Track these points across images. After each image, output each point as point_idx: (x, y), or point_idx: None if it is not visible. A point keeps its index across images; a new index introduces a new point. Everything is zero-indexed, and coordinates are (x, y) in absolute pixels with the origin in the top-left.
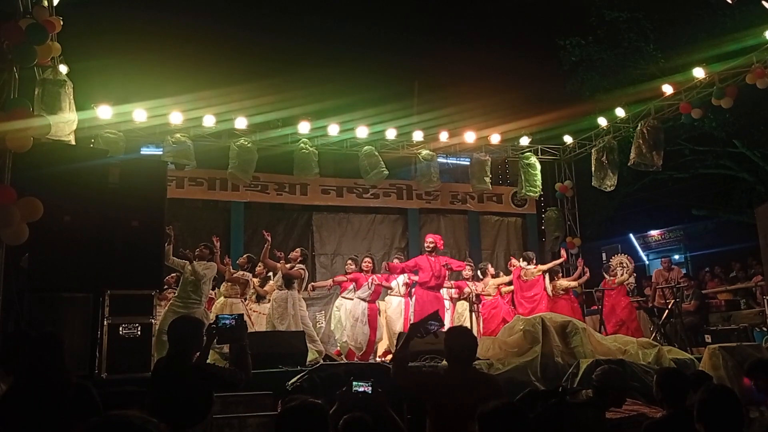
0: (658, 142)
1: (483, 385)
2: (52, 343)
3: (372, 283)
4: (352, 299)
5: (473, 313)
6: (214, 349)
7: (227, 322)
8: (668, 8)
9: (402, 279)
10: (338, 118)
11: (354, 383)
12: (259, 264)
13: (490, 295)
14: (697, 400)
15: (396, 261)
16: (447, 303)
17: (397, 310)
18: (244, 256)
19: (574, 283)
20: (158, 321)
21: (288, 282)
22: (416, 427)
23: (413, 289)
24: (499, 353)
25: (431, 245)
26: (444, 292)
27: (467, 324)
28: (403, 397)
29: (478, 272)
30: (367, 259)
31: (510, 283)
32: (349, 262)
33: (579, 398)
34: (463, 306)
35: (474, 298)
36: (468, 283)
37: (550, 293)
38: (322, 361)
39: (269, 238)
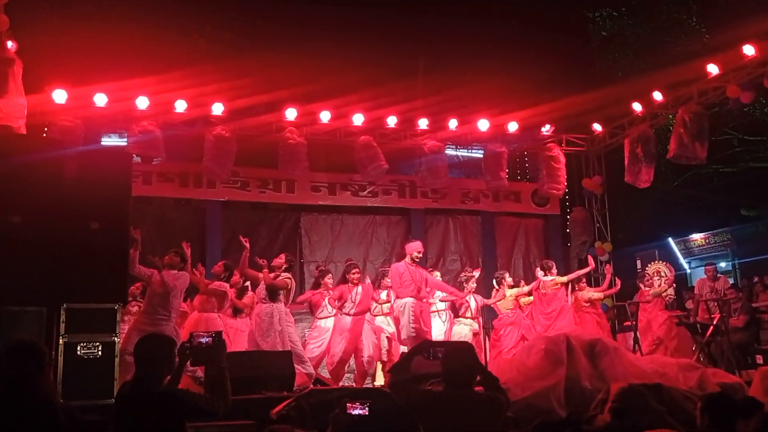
0: (701, 131)
1: (483, 409)
2: (34, 354)
3: (356, 296)
4: (329, 318)
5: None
6: (187, 373)
7: (203, 340)
8: None
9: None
10: (330, 102)
11: (348, 404)
12: (236, 273)
13: (507, 308)
14: (750, 431)
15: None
16: (443, 317)
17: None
18: (220, 263)
19: (599, 295)
20: (122, 339)
21: (272, 294)
22: None
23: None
24: (517, 377)
25: (419, 256)
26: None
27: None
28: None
29: (494, 282)
30: (355, 269)
31: (530, 294)
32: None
33: (595, 425)
34: (465, 325)
35: (475, 312)
36: (476, 297)
37: (571, 304)
38: (312, 386)
39: (247, 245)
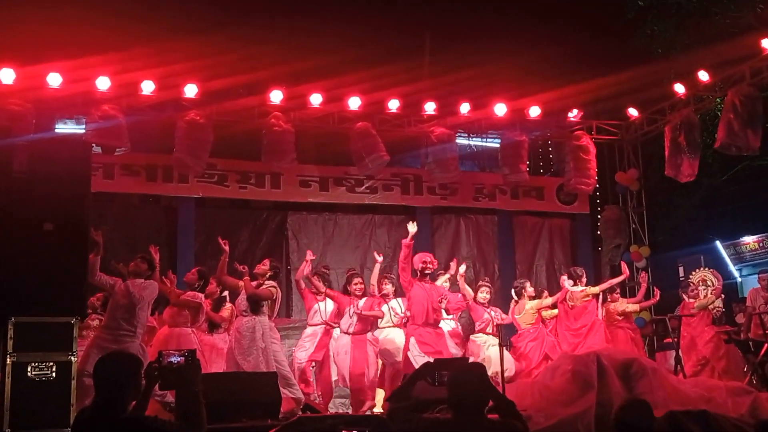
0: (754, 117)
1: None
2: None
3: (352, 311)
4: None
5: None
6: (156, 397)
7: (174, 360)
8: None
9: (395, 304)
10: (322, 83)
11: None
12: (212, 282)
13: (528, 323)
14: None
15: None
16: (450, 342)
17: (395, 345)
18: (194, 270)
19: (635, 307)
20: (80, 358)
21: (254, 305)
22: None
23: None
24: (540, 402)
25: (430, 266)
26: (448, 325)
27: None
28: None
29: (513, 292)
30: (357, 279)
31: (555, 306)
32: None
33: None
34: (480, 343)
35: (495, 329)
36: (487, 309)
37: (602, 318)
38: (300, 413)
39: (227, 249)
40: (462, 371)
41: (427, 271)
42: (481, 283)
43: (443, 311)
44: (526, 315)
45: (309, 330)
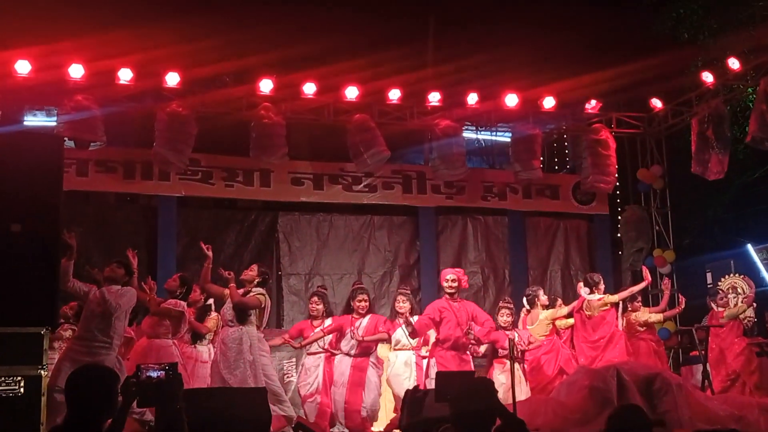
0: None
1: None
2: None
3: (359, 330)
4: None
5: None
6: (133, 415)
7: (153, 374)
8: None
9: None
10: (316, 71)
11: None
12: (196, 289)
13: (542, 334)
14: None
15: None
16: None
17: (403, 369)
18: (176, 276)
19: (659, 317)
20: (50, 372)
21: (241, 315)
22: None
23: (430, 349)
24: (554, 420)
25: (454, 285)
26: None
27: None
28: None
29: (524, 301)
30: (361, 295)
31: (570, 315)
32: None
33: None
34: (503, 370)
35: (519, 354)
36: (506, 333)
37: (622, 329)
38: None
39: (210, 254)
40: (467, 386)
41: (450, 291)
42: (501, 304)
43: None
44: (539, 326)
45: (309, 360)
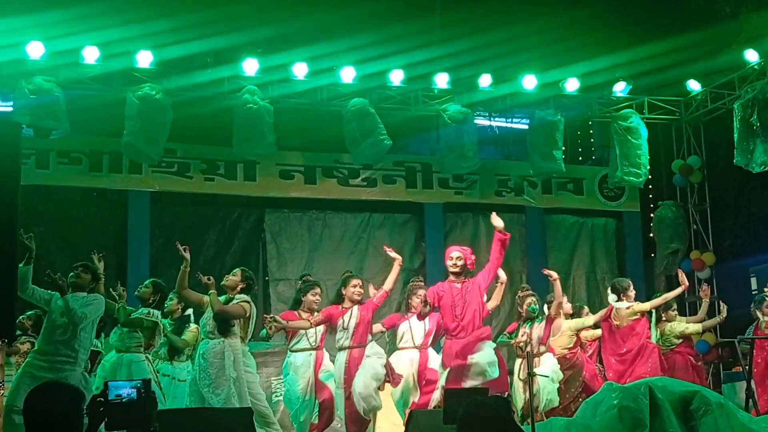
0: None
1: None
2: None
3: (350, 320)
4: (311, 350)
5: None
6: None
7: (123, 392)
8: None
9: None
10: (307, 50)
11: None
12: (173, 298)
13: (565, 347)
14: None
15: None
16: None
17: (406, 370)
18: (149, 282)
19: (697, 327)
20: (8, 391)
21: (223, 325)
22: None
23: (441, 339)
24: None
25: (459, 263)
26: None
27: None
28: None
29: (545, 308)
30: (354, 281)
31: (597, 326)
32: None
33: None
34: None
35: (530, 347)
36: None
37: (656, 341)
38: None
39: (188, 256)
40: (477, 408)
41: (454, 270)
42: (522, 294)
43: None
44: (562, 337)
45: (299, 359)
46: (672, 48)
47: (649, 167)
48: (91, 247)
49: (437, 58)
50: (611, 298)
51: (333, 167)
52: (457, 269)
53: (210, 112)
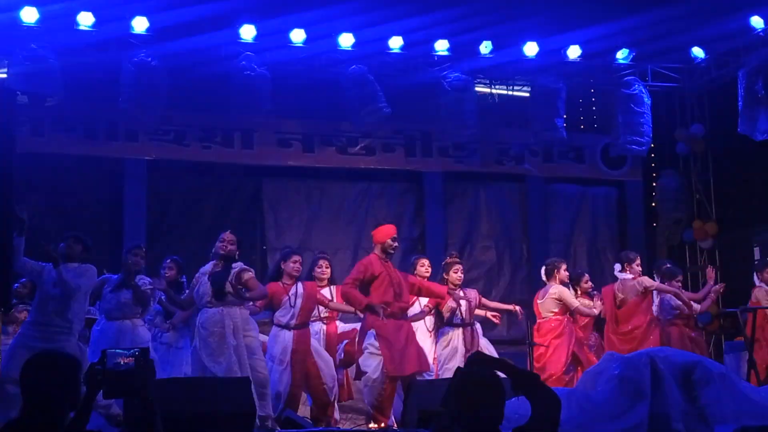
0: None
1: None
2: None
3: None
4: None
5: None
6: (99, 409)
7: (121, 361)
8: None
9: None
10: (306, 15)
11: None
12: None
13: (549, 311)
14: None
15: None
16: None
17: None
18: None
19: (696, 306)
20: (2, 361)
21: (219, 293)
22: None
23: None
24: (580, 416)
25: (395, 246)
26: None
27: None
28: None
29: (542, 272)
30: (322, 260)
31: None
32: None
33: None
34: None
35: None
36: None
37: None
38: (279, 429)
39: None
40: (474, 385)
41: (391, 252)
42: (449, 260)
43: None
44: (547, 301)
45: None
46: (676, 14)
47: (651, 135)
48: (85, 217)
49: (437, 23)
50: (617, 267)
51: (331, 135)
52: (394, 250)
53: (206, 78)
